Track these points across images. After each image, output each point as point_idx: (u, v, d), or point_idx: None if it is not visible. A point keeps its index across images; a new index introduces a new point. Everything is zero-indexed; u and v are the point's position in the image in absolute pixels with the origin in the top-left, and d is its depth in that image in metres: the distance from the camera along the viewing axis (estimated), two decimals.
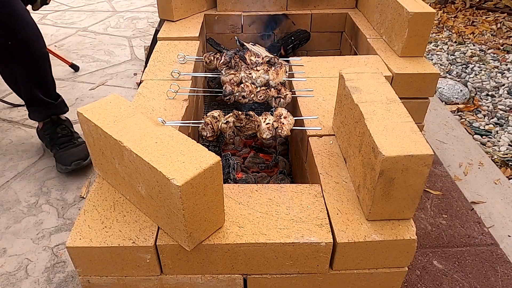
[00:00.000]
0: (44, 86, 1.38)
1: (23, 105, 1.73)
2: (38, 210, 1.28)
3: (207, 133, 0.91)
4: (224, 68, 1.12)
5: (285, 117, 0.94)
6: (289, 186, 0.80)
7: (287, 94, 1.05)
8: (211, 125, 0.91)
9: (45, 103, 1.40)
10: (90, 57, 2.26)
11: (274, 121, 0.93)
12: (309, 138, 0.91)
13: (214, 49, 1.57)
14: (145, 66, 1.22)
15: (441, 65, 2.32)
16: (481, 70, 2.24)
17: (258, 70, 1.08)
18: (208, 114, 0.95)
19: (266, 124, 0.92)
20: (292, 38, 1.60)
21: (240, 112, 0.89)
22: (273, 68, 1.08)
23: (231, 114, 0.92)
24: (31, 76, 1.33)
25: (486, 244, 1.14)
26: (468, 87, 2.05)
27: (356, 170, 0.76)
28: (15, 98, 1.82)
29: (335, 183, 0.79)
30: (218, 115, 0.95)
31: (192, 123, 0.97)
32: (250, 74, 1.07)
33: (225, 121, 0.92)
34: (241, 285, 0.74)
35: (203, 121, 0.94)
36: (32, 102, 1.40)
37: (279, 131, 0.91)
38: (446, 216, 1.23)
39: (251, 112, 0.90)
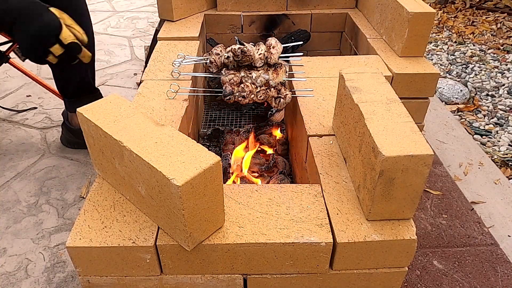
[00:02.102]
0: (94, 71, 1.36)
1: (22, 110, 1.74)
2: (38, 210, 1.28)
3: (213, 69, 1.08)
4: (224, 68, 1.12)
5: (273, 47, 1.05)
6: (289, 186, 0.80)
7: (287, 94, 1.05)
8: (215, 63, 1.06)
9: (93, 90, 1.36)
10: None
11: (265, 51, 1.05)
12: (309, 138, 0.92)
13: None
14: (145, 66, 1.22)
15: (441, 65, 2.32)
16: (481, 70, 2.24)
17: (258, 70, 1.08)
18: (212, 51, 1.07)
19: (259, 54, 1.03)
20: (292, 38, 1.60)
21: (236, 49, 1.02)
22: (273, 68, 1.08)
23: (230, 49, 1.03)
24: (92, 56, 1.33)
25: (486, 244, 1.14)
26: (468, 87, 2.06)
27: (356, 170, 0.77)
28: (12, 100, 1.82)
29: (335, 183, 0.79)
30: (221, 51, 1.07)
31: (200, 58, 1.12)
32: (250, 74, 1.07)
33: (226, 56, 1.04)
34: (241, 285, 0.74)
35: (208, 58, 1.07)
36: (83, 89, 1.35)
37: (269, 60, 1.04)
38: (446, 216, 1.23)
39: (245, 48, 1.01)
